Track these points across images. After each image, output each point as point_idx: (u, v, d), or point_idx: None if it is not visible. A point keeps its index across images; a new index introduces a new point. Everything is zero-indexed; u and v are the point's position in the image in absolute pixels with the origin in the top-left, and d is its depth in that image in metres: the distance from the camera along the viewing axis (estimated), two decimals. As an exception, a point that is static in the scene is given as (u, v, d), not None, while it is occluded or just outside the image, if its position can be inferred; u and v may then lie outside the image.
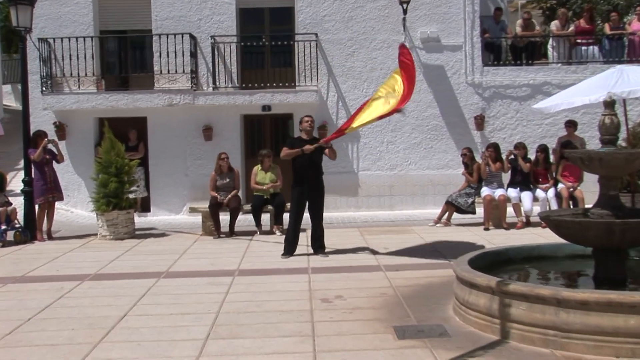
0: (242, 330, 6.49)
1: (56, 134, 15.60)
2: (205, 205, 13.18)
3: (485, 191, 13.07)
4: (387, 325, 6.50)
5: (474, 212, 13.29)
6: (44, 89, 15.96)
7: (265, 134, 16.75)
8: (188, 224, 14.62)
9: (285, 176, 12.77)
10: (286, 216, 11.36)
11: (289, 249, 10.43)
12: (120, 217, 12.73)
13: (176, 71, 15.98)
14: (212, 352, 5.90)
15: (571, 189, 12.97)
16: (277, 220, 12.93)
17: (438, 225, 13.32)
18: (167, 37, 15.79)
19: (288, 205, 11.33)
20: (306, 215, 10.51)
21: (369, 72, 16.21)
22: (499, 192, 13.00)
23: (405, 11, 15.89)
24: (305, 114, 11.06)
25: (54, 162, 13.05)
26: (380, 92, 10.02)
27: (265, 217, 13.19)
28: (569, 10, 21.58)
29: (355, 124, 10.22)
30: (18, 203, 13.25)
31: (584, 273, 7.39)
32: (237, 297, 7.87)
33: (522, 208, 12.99)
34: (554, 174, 13.29)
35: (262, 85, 16.05)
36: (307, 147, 10.19)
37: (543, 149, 13.39)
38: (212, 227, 12.78)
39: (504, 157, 13.46)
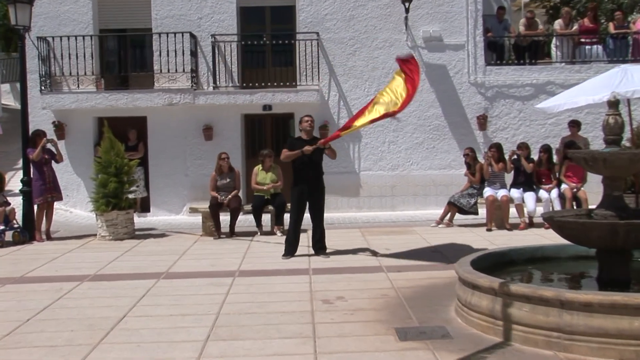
0: (242, 332, 6.47)
1: (55, 133, 15.55)
2: (205, 205, 13.14)
3: (487, 192, 13.04)
4: (388, 327, 6.48)
5: (476, 213, 13.26)
6: (43, 88, 15.90)
7: (266, 133, 16.71)
8: (188, 225, 14.60)
9: (286, 176, 12.72)
10: (287, 217, 11.35)
11: (290, 249, 10.41)
12: (120, 217, 12.69)
13: (176, 70, 15.95)
14: (212, 354, 5.88)
15: (575, 190, 12.92)
16: (277, 220, 12.89)
17: (440, 226, 13.29)
18: (167, 36, 15.73)
19: (289, 205, 11.29)
20: (307, 215, 10.48)
21: (371, 72, 16.16)
22: (501, 193, 12.95)
23: (407, 10, 15.84)
24: (305, 114, 11.00)
25: (53, 161, 13.02)
26: (384, 98, 9.88)
27: (266, 218, 13.16)
28: (573, 9, 21.57)
29: (353, 126, 10.20)
30: (17, 203, 13.24)
31: (587, 274, 7.37)
32: (237, 298, 7.85)
33: (525, 209, 12.95)
34: (557, 174, 13.25)
35: (262, 84, 16.01)
36: (307, 148, 10.15)
37: (546, 149, 13.34)
38: (212, 228, 12.76)
39: (506, 157, 13.41)
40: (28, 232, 12.61)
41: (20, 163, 14.38)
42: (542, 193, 12.97)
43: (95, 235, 12.86)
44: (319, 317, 6.92)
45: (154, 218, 15.94)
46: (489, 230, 12.66)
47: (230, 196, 12.86)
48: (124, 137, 15.00)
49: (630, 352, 5.44)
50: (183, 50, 15.85)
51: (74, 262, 10.49)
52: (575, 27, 16.61)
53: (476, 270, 6.65)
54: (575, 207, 12.53)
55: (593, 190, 11.87)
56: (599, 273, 6.82)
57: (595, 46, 16.47)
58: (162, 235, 13.22)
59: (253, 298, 7.80)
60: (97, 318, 7.06)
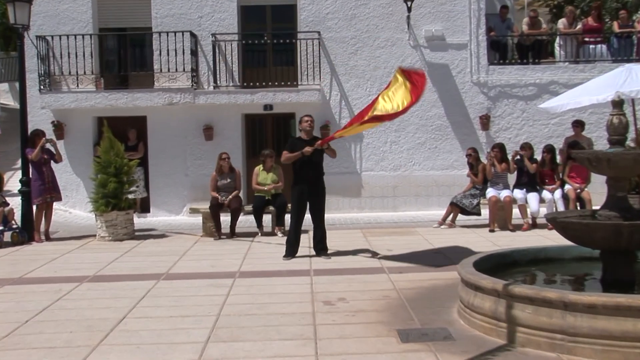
0: (243, 333, 6.45)
1: (54, 133, 15.51)
2: (205, 206, 13.11)
3: (490, 192, 13.00)
4: (390, 329, 6.46)
5: (479, 214, 13.23)
6: (42, 87, 15.85)
7: (267, 133, 16.66)
8: (188, 225, 14.57)
9: (287, 177, 12.66)
10: (288, 217, 11.34)
11: (291, 250, 10.39)
12: (120, 217, 12.66)
13: (176, 70, 15.90)
14: (213, 356, 5.86)
15: (578, 190, 12.86)
16: (278, 221, 12.86)
17: (442, 226, 13.26)
18: (168, 35, 15.68)
19: (290, 206, 11.26)
20: (308, 216, 10.46)
21: (373, 71, 16.11)
22: (504, 193, 12.92)
23: (409, 9, 15.78)
24: (305, 114, 10.98)
25: (52, 161, 13.00)
26: (386, 105, 9.70)
27: (267, 218, 13.13)
28: (577, 8, 21.54)
29: (350, 128, 10.16)
30: (15, 203, 13.27)
31: (591, 276, 7.36)
32: (238, 299, 7.84)
33: (528, 209, 12.92)
34: (560, 175, 13.20)
35: (263, 84, 15.97)
36: (307, 150, 10.12)
37: (550, 150, 13.29)
38: (212, 228, 12.73)
39: (509, 157, 13.35)
40: (27, 233, 12.58)
41: (19, 163, 14.38)
42: (546, 194, 12.91)
43: (94, 235, 12.82)
44: (320, 318, 6.91)
45: (154, 219, 15.90)
46: (492, 231, 12.60)
47: (230, 197, 12.82)
48: (124, 137, 14.96)
49: (635, 354, 5.42)
50: (183, 50, 15.79)
51: (73, 263, 10.49)
52: (579, 26, 16.54)
53: (479, 271, 6.63)
54: (579, 208, 12.49)
55: (597, 191, 11.79)
56: (602, 274, 6.80)
57: (599, 45, 16.40)
58: (162, 236, 13.21)
59: (254, 299, 7.79)
60: (97, 319, 7.04)
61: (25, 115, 13.19)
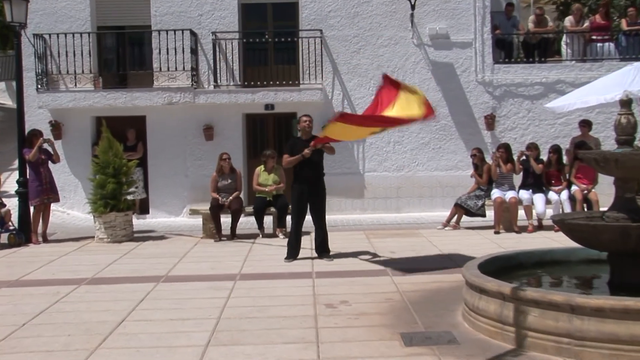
0: (243, 337, 6.45)
1: (52, 133, 15.46)
2: (206, 207, 13.05)
3: (495, 193, 12.95)
4: (393, 332, 6.45)
5: (483, 215, 13.18)
6: (39, 86, 15.81)
7: (268, 133, 16.61)
8: (188, 227, 14.53)
9: (288, 177, 12.57)
10: (289, 219, 11.28)
11: (292, 252, 10.37)
12: (118, 219, 12.61)
13: (176, 69, 15.84)
14: (213, 359, 5.87)
15: (585, 191, 12.78)
16: (280, 222, 12.81)
17: (447, 228, 13.19)
18: (167, 34, 15.62)
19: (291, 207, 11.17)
20: (309, 217, 10.43)
21: (375, 70, 15.98)
22: (510, 194, 12.86)
23: (413, 7, 15.72)
24: (304, 114, 10.96)
25: (49, 162, 12.96)
26: (404, 109, 9.45)
27: (268, 220, 13.10)
28: (584, 6, 21.49)
29: (346, 133, 9.93)
30: (12, 204, 13.23)
31: (598, 279, 7.38)
32: (238, 302, 7.83)
33: (534, 211, 12.85)
34: (567, 175, 13.14)
35: (264, 83, 15.93)
36: (306, 152, 10.06)
37: (556, 150, 13.24)
38: (213, 230, 12.70)
39: (515, 157, 13.30)
40: (24, 234, 12.54)
41: (16, 163, 14.36)
42: (552, 195, 12.84)
43: (93, 237, 12.78)
44: (322, 321, 6.89)
45: (153, 220, 15.85)
46: (497, 232, 12.57)
47: (231, 197, 12.78)
48: (123, 137, 14.87)
49: (643, 358, 5.39)
50: (183, 48, 15.73)
51: (71, 265, 10.47)
52: (587, 24, 16.47)
53: (484, 273, 6.61)
54: (585, 209, 12.41)
55: (604, 192, 11.74)
56: (610, 277, 6.77)
57: (607, 43, 16.32)
58: (162, 238, 13.19)
59: (254, 302, 7.78)
60: (95, 322, 7.04)
61: (23, 114, 13.13)
